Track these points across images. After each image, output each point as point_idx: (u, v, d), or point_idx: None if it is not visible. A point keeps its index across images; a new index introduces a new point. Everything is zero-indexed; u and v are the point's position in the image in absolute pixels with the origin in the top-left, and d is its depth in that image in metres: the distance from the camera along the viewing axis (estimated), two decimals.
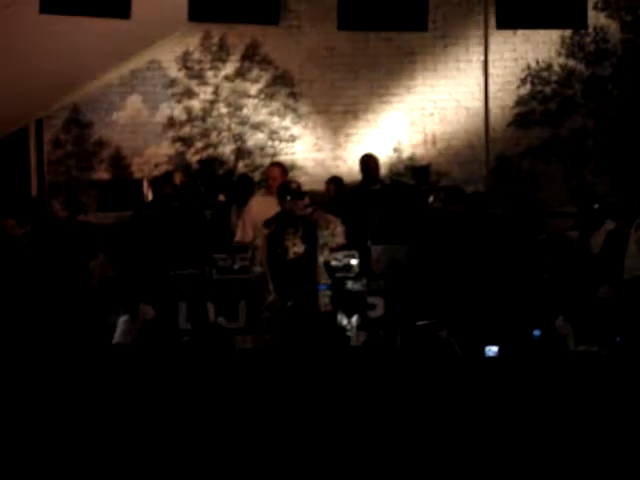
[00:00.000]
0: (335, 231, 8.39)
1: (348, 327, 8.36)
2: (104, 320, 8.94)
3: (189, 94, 12.50)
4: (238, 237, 9.68)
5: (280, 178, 9.77)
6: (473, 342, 8.29)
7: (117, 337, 8.82)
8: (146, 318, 8.86)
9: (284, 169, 10.21)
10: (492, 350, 8.21)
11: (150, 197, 11.58)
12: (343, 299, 8.38)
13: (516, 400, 6.67)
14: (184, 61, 12.48)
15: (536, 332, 8.52)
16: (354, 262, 8.83)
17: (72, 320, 8.80)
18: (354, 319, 8.51)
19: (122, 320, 8.90)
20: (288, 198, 8.34)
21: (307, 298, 8.09)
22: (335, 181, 10.89)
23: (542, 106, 12.43)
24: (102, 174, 12.47)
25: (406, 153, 12.45)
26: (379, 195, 10.19)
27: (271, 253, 8.29)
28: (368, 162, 10.47)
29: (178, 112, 12.51)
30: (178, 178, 11.12)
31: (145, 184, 11.81)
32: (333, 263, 8.47)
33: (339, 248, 8.54)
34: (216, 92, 12.52)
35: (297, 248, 8.23)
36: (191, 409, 6.53)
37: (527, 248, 9.06)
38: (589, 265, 8.89)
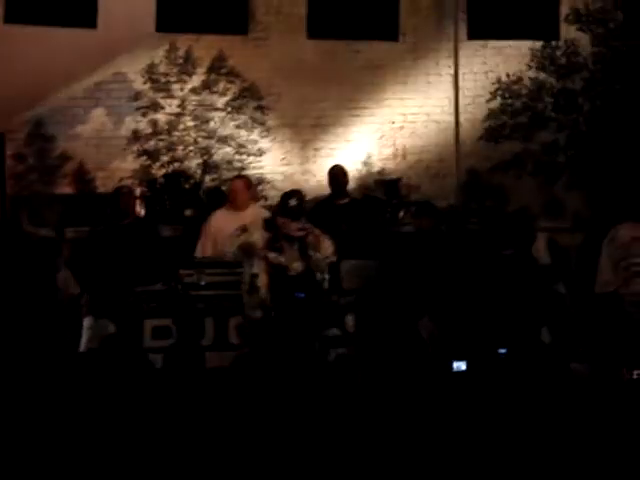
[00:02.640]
0: (327, 252, 8.15)
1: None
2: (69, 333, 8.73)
3: (155, 107, 12.27)
4: (198, 252, 9.54)
5: (244, 191, 9.64)
6: (442, 357, 8.17)
7: (84, 343, 8.60)
8: (105, 333, 8.63)
9: (248, 182, 10.08)
10: (460, 365, 8.08)
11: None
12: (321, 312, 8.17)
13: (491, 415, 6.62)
14: (149, 74, 12.24)
15: (502, 350, 8.40)
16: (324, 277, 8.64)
17: (39, 333, 8.57)
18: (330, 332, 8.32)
19: (87, 324, 8.66)
20: (280, 215, 8.05)
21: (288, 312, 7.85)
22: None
23: (513, 120, 12.34)
24: (65, 188, 12.20)
25: (376, 167, 12.31)
26: (347, 209, 10.05)
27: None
28: (337, 174, 10.34)
29: (143, 125, 12.27)
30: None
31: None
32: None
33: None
34: (182, 105, 12.31)
35: (296, 265, 7.97)
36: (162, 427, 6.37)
37: (494, 263, 8.96)
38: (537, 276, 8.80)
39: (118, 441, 6.20)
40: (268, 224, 8.13)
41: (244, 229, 8.16)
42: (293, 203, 8.15)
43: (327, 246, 8.16)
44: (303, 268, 7.95)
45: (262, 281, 7.95)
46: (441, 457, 6.03)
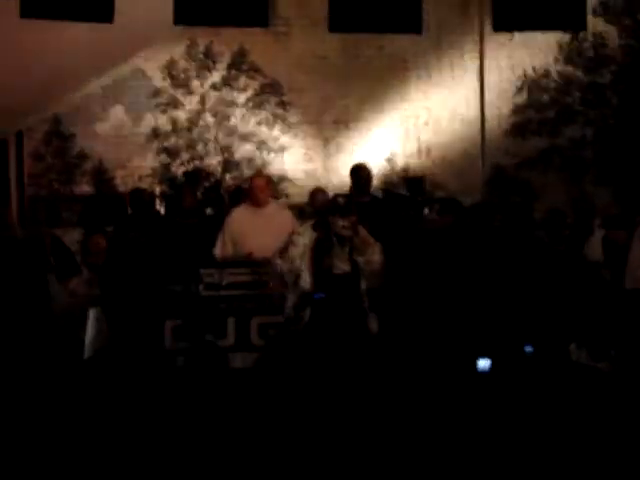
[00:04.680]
0: (372, 258, 7.96)
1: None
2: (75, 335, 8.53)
3: (174, 104, 12.15)
4: (217, 251, 9.37)
5: (265, 189, 9.50)
6: (464, 355, 8.02)
7: (89, 335, 8.40)
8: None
9: (269, 180, 9.94)
10: (484, 363, 7.92)
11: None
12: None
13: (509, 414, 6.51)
14: (169, 70, 12.13)
15: (528, 348, 8.24)
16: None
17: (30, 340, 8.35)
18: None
19: (92, 315, 8.45)
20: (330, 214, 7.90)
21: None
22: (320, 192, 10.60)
23: (539, 114, 12.14)
24: (84, 187, 12.08)
25: (400, 163, 12.16)
26: (368, 208, 9.89)
27: (317, 261, 7.79)
28: (359, 173, 10.17)
29: (163, 122, 12.16)
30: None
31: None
32: None
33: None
34: (202, 102, 12.18)
35: (344, 265, 7.79)
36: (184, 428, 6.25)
37: (522, 260, 8.81)
38: (586, 275, 8.64)
39: (136, 440, 6.08)
40: (318, 223, 7.97)
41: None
42: (340, 201, 8.02)
43: (372, 252, 7.94)
44: (349, 269, 7.75)
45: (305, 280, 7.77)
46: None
